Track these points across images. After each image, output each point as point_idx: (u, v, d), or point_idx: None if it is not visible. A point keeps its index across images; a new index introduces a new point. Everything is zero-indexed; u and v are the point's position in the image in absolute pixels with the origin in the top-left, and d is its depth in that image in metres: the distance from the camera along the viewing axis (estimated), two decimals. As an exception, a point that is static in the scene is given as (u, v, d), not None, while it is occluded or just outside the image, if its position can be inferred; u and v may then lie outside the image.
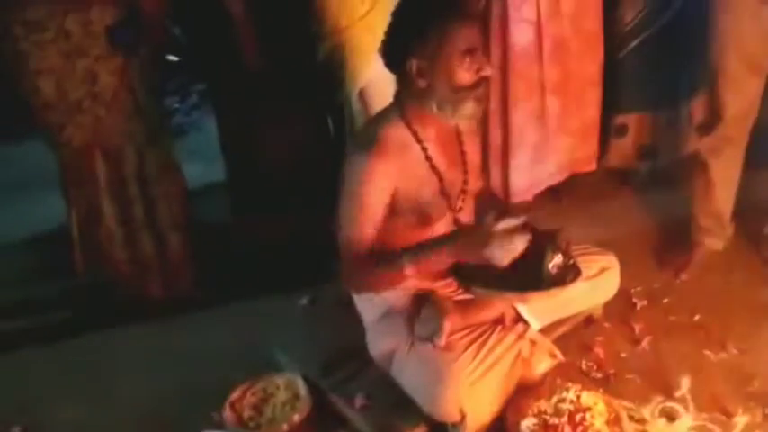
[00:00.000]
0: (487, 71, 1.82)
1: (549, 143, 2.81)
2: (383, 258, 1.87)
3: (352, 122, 2.65)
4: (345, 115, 2.67)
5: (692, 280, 2.50)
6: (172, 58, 4.04)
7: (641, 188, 2.98)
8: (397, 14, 1.87)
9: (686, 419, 1.96)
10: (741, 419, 1.94)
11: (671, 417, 1.98)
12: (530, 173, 2.86)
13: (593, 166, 2.95)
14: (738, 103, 2.34)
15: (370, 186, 1.86)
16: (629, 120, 2.90)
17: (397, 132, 1.90)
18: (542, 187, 2.92)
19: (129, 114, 2.49)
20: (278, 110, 2.71)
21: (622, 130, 2.92)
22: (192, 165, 3.38)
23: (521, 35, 2.64)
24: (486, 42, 2.62)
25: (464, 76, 1.80)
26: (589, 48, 2.75)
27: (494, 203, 2.28)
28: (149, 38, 2.45)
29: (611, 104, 2.89)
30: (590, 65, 2.78)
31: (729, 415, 1.96)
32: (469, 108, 1.84)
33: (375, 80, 2.50)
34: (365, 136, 1.97)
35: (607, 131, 2.94)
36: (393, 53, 1.88)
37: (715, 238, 2.56)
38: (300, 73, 2.68)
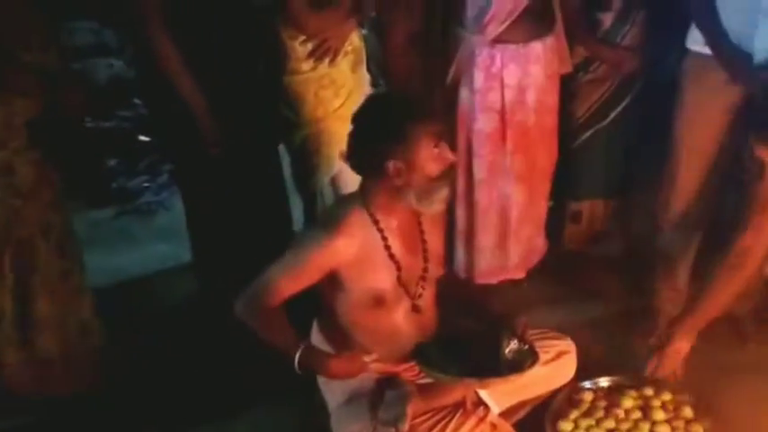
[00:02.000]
0: (452, 157, 1.95)
1: (512, 231, 2.91)
2: (283, 327, 1.96)
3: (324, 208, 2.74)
4: (318, 202, 2.77)
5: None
6: (143, 138, 4.16)
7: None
8: (363, 122, 1.97)
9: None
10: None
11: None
12: (494, 257, 2.96)
13: (543, 254, 3.07)
14: (693, 183, 2.49)
15: (317, 255, 1.94)
16: (584, 206, 3.05)
17: (360, 217, 1.99)
18: (507, 276, 3.00)
19: (47, 204, 2.47)
20: (245, 194, 2.75)
21: (577, 217, 3.07)
22: (160, 244, 3.47)
23: (486, 122, 2.77)
24: (453, 127, 2.77)
25: (435, 167, 1.92)
26: (548, 140, 2.88)
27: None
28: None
29: (566, 192, 3.04)
30: (548, 158, 2.90)
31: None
32: (444, 193, 1.96)
33: (347, 167, 2.61)
34: (327, 217, 2.07)
35: (563, 218, 3.09)
36: (365, 159, 1.97)
37: (675, 304, 2.67)
38: (268, 158, 2.78)
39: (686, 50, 2.43)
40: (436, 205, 1.99)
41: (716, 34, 2.30)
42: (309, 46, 2.58)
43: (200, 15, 2.48)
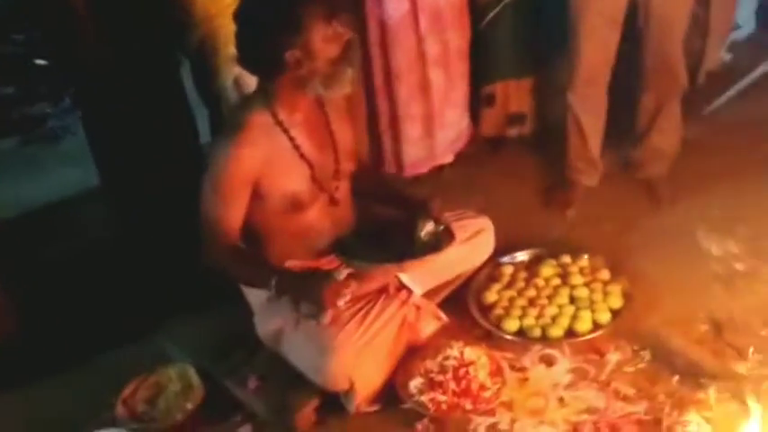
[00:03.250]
0: (348, 33, 1.88)
1: (436, 116, 2.87)
2: (251, 260, 1.97)
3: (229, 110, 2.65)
4: (222, 104, 2.67)
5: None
6: (40, 61, 3.95)
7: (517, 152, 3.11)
8: (249, 17, 1.87)
9: (564, 363, 2.07)
10: (613, 357, 2.08)
11: (549, 363, 2.09)
12: (422, 145, 2.92)
13: (469, 137, 3.04)
14: (598, 53, 2.51)
15: (232, 172, 1.90)
16: (496, 89, 3.01)
17: (263, 120, 1.93)
18: (436, 162, 2.98)
19: None
20: (148, 112, 2.62)
21: (490, 100, 3.03)
22: (67, 169, 3.34)
23: (396, 9, 2.68)
24: (363, 18, 2.69)
25: (333, 48, 1.86)
26: (460, 20, 2.82)
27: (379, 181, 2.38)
28: None
29: (478, 75, 2.99)
30: (461, 37, 2.85)
31: (602, 354, 2.09)
32: (349, 73, 1.90)
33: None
34: (229, 127, 1.99)
35: (477, 101, 3.04)
36: (259, 56, 1.89)
37: (589, 176, 2.75)
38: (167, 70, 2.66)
39: None
40: (344, 87, 1.93)
41: None
42: None
43: None
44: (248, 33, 1.88)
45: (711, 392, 1.89)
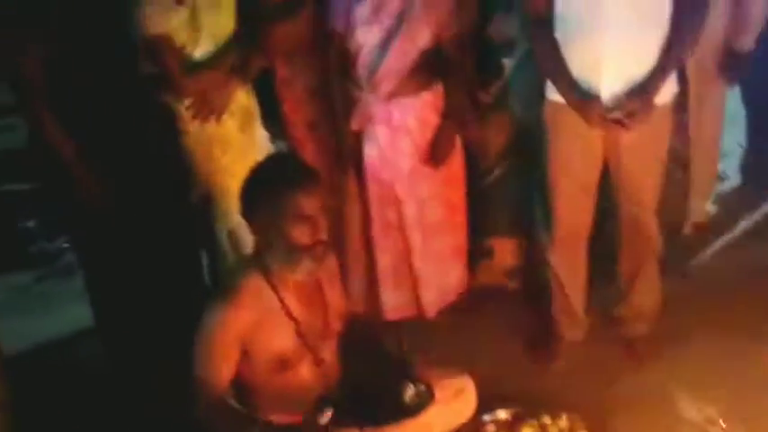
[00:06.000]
0: (322, 237, 1.99)
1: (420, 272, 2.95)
2: (238, 415, 2.04)
3: (223, 263, 2.79)
4: (218, 256, 2.82)
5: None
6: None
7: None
8: (245, 182, 2.04)
9: None
10: None
11: None
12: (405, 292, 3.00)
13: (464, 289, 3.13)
14: (573, 216, 2.63)
15: (223, 334, 2.00)
16: (495, 243, 3.14)
17: (256, 283, 2.05)
18: (420, 312, 3.03)
19: None
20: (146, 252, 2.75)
21: (488, 253, 3.16)
22: (80, 306, 3.46)
23: (396, 172, 2.82)
24: (362, 182, 2.84)
25: (299, 237, 1.97)
26: (455, 180, 2.96)
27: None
28: None
29: (476, 229, 3.12)
30: (456, 193, 2.97)
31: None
32: (306, 266, 2.01)
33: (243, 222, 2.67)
34: (223, 288, 2.12)
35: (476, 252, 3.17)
36: (247, 216, 2.05)
37: (573, 331, 2.82)
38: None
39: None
40: (295, 275, 2.04)
41: (565, 84, 2.43)
42: (192, 109, 2.64)
43: (86, 84, 2.53)
44: (241, 193, 2.04)
45: None
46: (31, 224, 4.12)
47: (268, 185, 1.99)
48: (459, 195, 3.00)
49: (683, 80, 2.81)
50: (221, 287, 2.18)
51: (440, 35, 2.74)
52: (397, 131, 2.81)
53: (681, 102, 2.79)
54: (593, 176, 2.57)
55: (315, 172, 2.09)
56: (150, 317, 2.73)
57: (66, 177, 2.58)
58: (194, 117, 2.64)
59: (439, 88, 2.83)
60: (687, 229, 3.30)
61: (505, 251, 3.15)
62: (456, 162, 2.94)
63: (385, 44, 2.70)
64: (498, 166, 3.04)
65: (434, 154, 2.84)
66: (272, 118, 2.96)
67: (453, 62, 2.79)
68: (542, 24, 2.47)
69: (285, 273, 2.04)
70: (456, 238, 3.04)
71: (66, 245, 3.99)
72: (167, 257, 2.77)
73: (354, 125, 2.83)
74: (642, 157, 2.50)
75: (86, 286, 2.86)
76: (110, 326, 2.86)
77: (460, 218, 3.03)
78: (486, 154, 3.04)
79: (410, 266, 2.94)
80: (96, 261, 2.79)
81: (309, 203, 1.97)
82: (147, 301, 2.73)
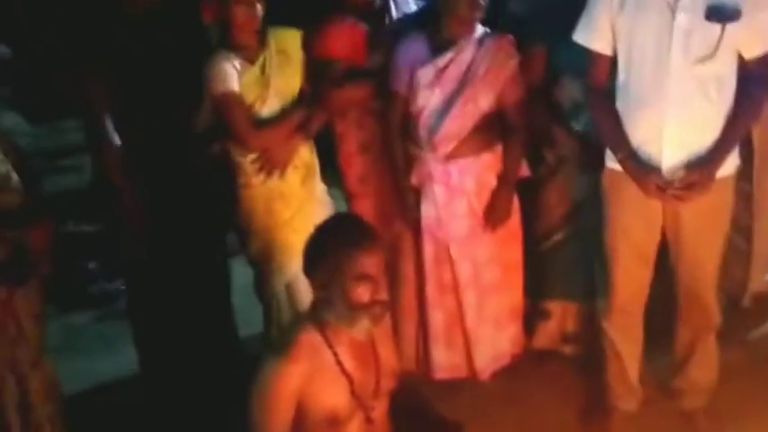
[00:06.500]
0: (383, 296, 2.02)
1: (471, 333, 2.95)
2: None
3: (280, 315, 2.83)
4: (273, 309, 2.86)
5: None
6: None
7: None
8: (310, 239, 2.09)
9: None
10: None
11: None
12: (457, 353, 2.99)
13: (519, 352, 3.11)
14: (629, 286, 2.60)
15: (280, 389, 2.01)
16: (553, 305, 3.10)
17: (310, 338, 2.07)
18: (472, 375, 3.00)
19: (12, 342, 2.43)
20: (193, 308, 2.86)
21: (546, 315, 3.12)
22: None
23: (456, 230, 2.85)
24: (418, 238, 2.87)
25: (360, 296, 1.99)
26: (512, 241, 2.97)
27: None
28: (36, 271, 2.45)
29: (536, 290, 3.10)
30: (513, 256, 2.98)
31: None
32: (364, 325, 2.03)
33: (301, 275, 2.72)
34: (280, 341, 2.15)
35: (534, 314, 3.14)
36: (308, 272, 2.08)
37: (627, 401, 2.77)
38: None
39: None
40: (354, 333, 2.05)
41: (625, 154, 2.43)
42: (258, 163, 2.72)
43: (153, 130, 2.68)
44: (305, 248, 2.07)
45: None
46: (92, 265, 4.24)
47: (331, 245, 2.03)
48: (515, 257, 3.00)
49: (748, 149, 2.79)
50: (279, 341, 2.21)
51: (503, 99, 2.80)
52: (455, 192, 2.84)
53: (745, 171, 2.77)
54: (652, 246, 2.55)
55: (375, 231, 2.12)
56: (187, 365, 2.82)
57: (123, 221, 2.71)
58: (260, 171, 2.72)
59: (499, 149, 2.87)
60: (747, 300, 3.23)
61: (563, 315, 3.12)
62: (513, 223, 2.95)
63: (446, 107, 2.76)
64: (559, 230, 3.01)
65: (491, 216, 2.86)
66: (328, 172, 3.04)
67: (515, 124, 2.83)
68: (603, 94, 2.50)
69: (342, 330, 2.06)
70: (511, 299, 3.03)
71: (122, 286, 4.12)
72: (208, 309, 2.89)
73: (414, 181, 2.88)
74: (703, 229, 2.48)
75: (132, 331, 2.96)
76: (152, 371, 2.95)
77: (516, 279, 3.03)
78: (547, 217, 3.02)
79: (463, 327, 2.94)
80: (142, 306, 2.90)
81: (371, 263, 2.00)
82: (189, 350, 2.82)
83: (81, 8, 2.75)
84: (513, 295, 3.04)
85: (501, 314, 3.00)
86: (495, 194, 2.85)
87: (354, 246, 2.00)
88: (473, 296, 2.91)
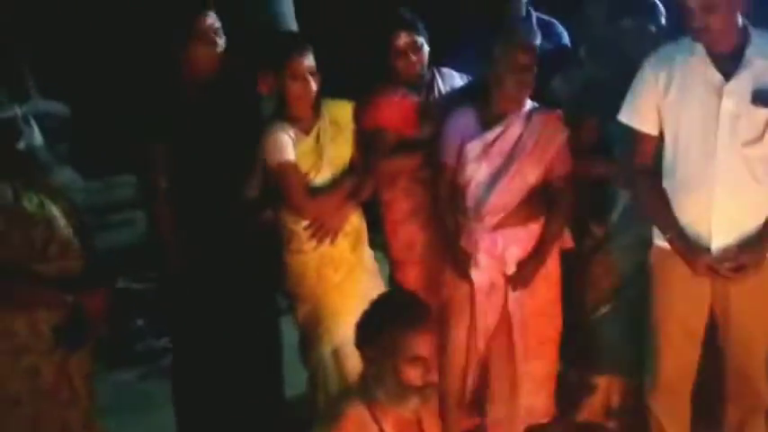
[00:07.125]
0: (434, 378, 2.04)
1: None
2: None
3: (327, 381, 2.83)
4: (319, 374, 2.87)
5: None
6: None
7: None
8: (364, 314, 2.13)
9: None
10: None
11: None
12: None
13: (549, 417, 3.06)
14: (676, 364, 2.58)
15: None
16: (601, 379, 3.07)
17: (358, 413, 2.09)
18: None
19: (65, 405, 2.45)
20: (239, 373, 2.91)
21: (593, 389, 3.08)
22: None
23: (490, 303, 2.88)
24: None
25: (412, 378, 2.01)
26: (551, 312, 2.95)
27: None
28: (92, 333, 2.48)
29: (583, 363, 3.08)
30: (551, 328, 2.96)
31: None
32: (413, 404, 2.05)
33: (348, 340, 2.74)
34: (328, 412, 2.18)
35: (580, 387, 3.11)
36: (359, 345, 2.13)
37: None
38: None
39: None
40: (402, 410, 2.07)
41: (674, 234, 2.44)
42: (311, 229, 2.79)
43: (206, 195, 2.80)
44: (359, 322, 2.12)
45: None
46: (140, 322, 4.30)
47: (387, 322, 2.06)
48: (553, 326, 2.98)
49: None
50: (326, 412, 2.23)
51: (550, 172, 2.84)
52: (500, 261, 2.86)
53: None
54: (700, 325, 2.54)
55: (428, 310, 2.15)
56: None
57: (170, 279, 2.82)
58: (312, 237, 2.78)
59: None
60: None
61: (609, 390, 3.08)
62: (552, 292, 2.95)
63: (493, 181, 2.81)
64: (606, 303, 2.99)
65: (511, 280, 2.86)
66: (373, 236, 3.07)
67: (560, 197, 2.86)
68: (649, 173, 2.52)
69: (390, 406, 2.08)
70: (543, 369, 3.00)
71: (170, 345, 4.17)
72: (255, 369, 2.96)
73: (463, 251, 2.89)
74: (753, 308, 2.46)
75: (173, 389, 3.04)
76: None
77: (552, 347, 2.99)
78: (594, 290, 3.00)
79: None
80: (186, 364, 2.98)
81: (424, 345, 2.03)
82: (231, 410, 2.86)
83: (144, 74, 2.91)
84: (546, 365, 3.00)
85: (530, 382, 2.96)
86: (523, 261, 2.86)
87: (410, 326, 2.03)
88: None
